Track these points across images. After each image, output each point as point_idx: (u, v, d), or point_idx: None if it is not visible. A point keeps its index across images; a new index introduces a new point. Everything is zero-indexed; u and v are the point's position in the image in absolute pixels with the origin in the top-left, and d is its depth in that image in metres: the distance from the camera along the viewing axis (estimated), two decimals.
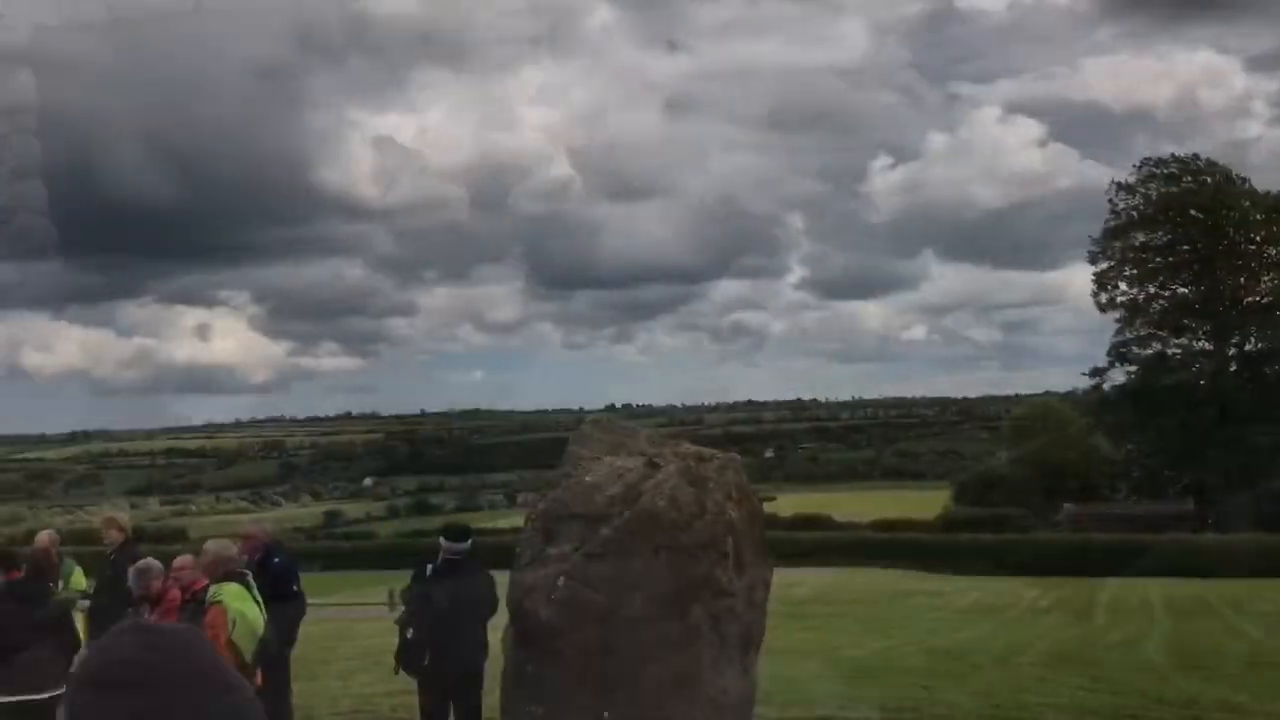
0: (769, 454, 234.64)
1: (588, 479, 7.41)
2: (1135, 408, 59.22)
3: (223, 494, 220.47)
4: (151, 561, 8.62)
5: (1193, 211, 58.29)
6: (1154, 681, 11.64)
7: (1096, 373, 61.62)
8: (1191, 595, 31.08)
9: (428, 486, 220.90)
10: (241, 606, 7.29)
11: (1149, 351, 60.29)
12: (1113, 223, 60.65)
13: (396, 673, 7.35)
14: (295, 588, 9.13)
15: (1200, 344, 59.64)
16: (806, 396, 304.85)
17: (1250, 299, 58.01)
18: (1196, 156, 59.86)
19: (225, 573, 7.49)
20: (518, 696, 7.41)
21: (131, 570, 8.61)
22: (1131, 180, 60.04)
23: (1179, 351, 59.68)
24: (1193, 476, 60.26)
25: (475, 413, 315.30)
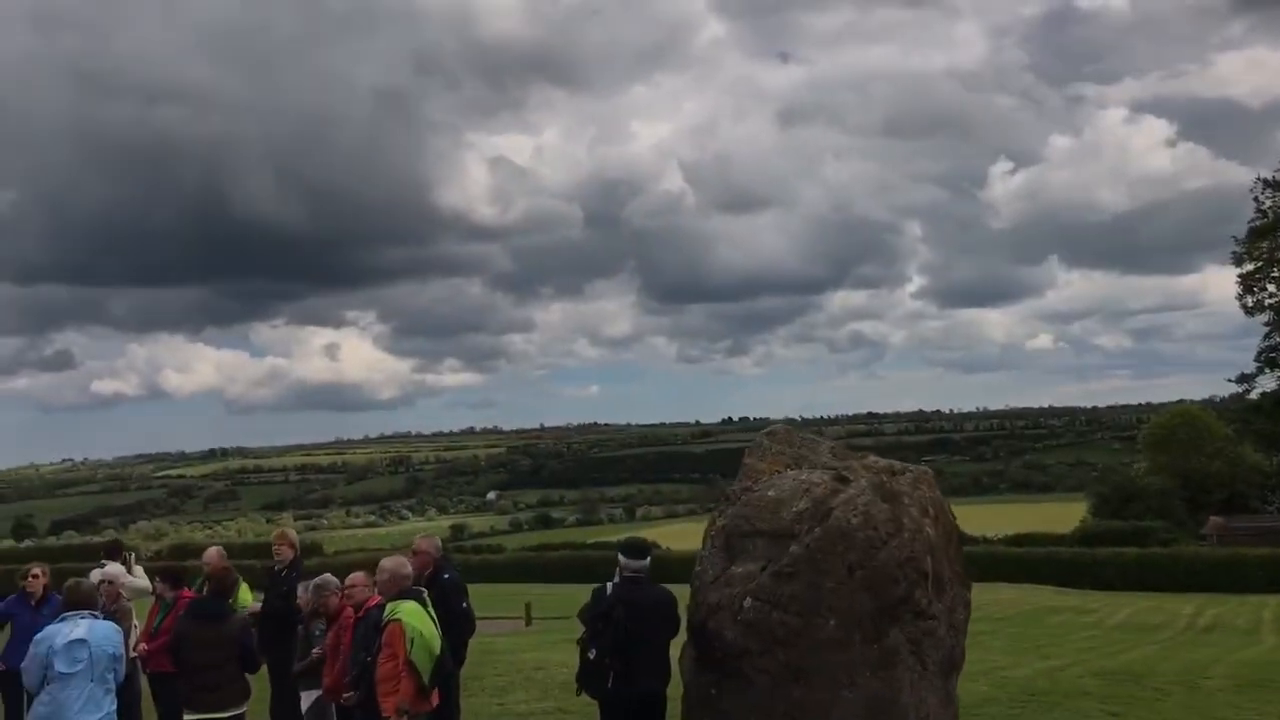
0: None
1: (770, 493, 7.10)
2: None
3: (352, 508, 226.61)
4: (329, 577, 8.57)
5: None
6: None
7: (1244, 379, 58.74)
8: None
9: (548, 500, 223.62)
10: (419, 625, 7.15)
11: None
12: (1258, 222, 57.83)
13: (578, 694, 7.12)
14: (465, 604, 9.00)
15: None
16: (929, 408, 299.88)
17: None
18: None
19: (401, 590, 7.37)
20: None
21: (310, 586, 8.59)
22: (1278, 176, 57.17)
23: None
24: None
25: (593, 426, 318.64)
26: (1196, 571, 45.71)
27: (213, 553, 10.54)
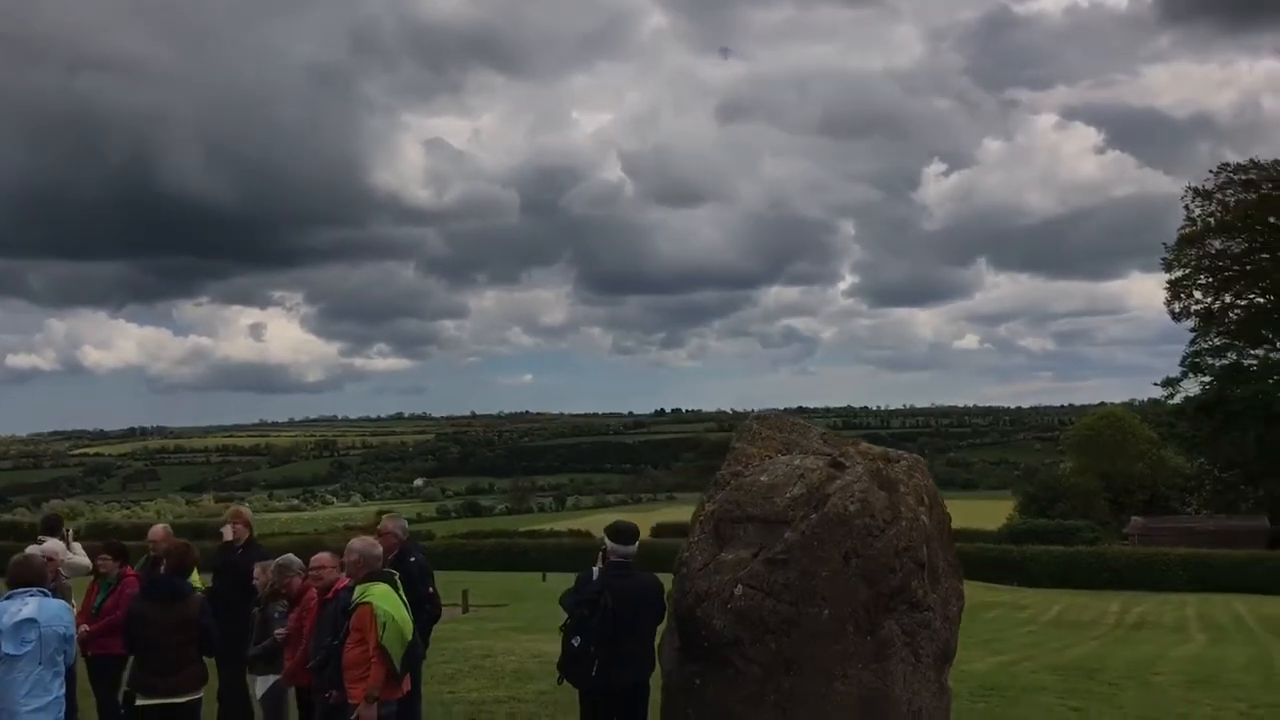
0: None
1: (763, 478, 6.87)
2: (1209, 420, 57.55)
3: (275, 492, 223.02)
4: (291, 558, 8.18)
5: (1272, 219, 56.63)
6: None
7: (1169, 383, 60.00)
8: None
9: (478, 488, 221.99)
10: (391, 609, 6.81)
11: (1224, 362, 58.60)
12: (1188, 229, 59.09)
13: (560, 683, 6.83)
14: (430, 589, 8.66)
15: (1278, 355, 57.86)
16: (857, 404, 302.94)
17: None
18: (1277, 162, 58.08)
19: (371, 572, 7.02)
20: (684, 714, 6.88)
21: (271, 566, 8.19)
22: (1208, 186, 58.46)
23: (1255, 362, 57.91)
24: (1269, 491, 58.51)
25: (524, 415, 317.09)
26: (1119, 570, 46.65)
27: (159, 530, 10.06)
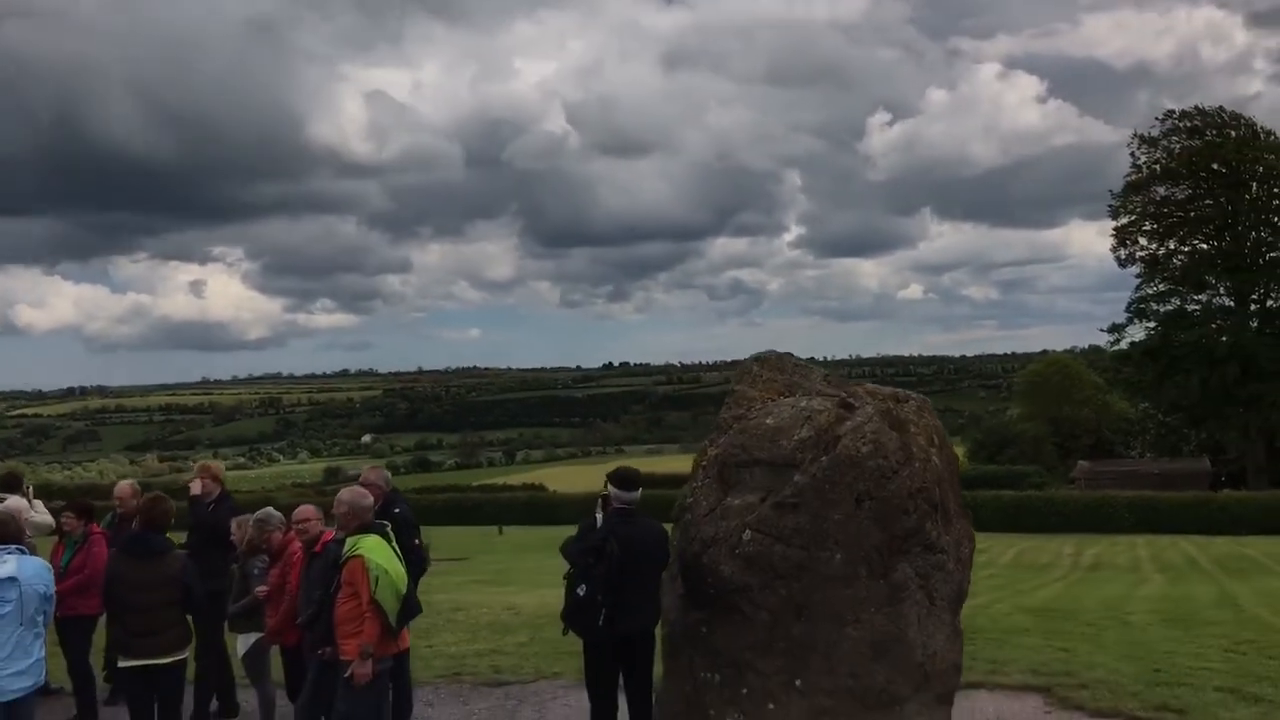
0: None
1: (769, 421, 6.66)
2: (1154, 364, 58.50)
3: (220, 450, 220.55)
4: (272, 511, 7.87)
5: (1215, 165, 57.33)
6: None
7: (1115, 329, 60.81)
8: (1231, 553, 30.61)
9: (426, 444, 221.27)
10: (383, 561, 6.55)
11: (1168, 308, 59.50)
12: (1133, 177, 59.70)
13: (564, 634, 6.62)
14: (416, 541, 8.41)
15: (1221, 300, 58.84)
16: (804, 354, 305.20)
17: (1273, 254, 57.16)
18: (1222, 110, 58.81)
19: (361, 524, 6.75)
20: (689, 663, 6.70)
21: (251, 520, 7.87)
22: (1154, 133, 58.99)
23: (1199, 308, 58.85)
24: (1210, 434, 59.76)
25: (472, 370, 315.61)
26: (1068, 514, 47.47)
27: (125, 487, 9.71)
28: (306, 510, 7.43)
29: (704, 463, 6.90)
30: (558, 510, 56.05)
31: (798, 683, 6.33)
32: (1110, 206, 60.32)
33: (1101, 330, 63.02)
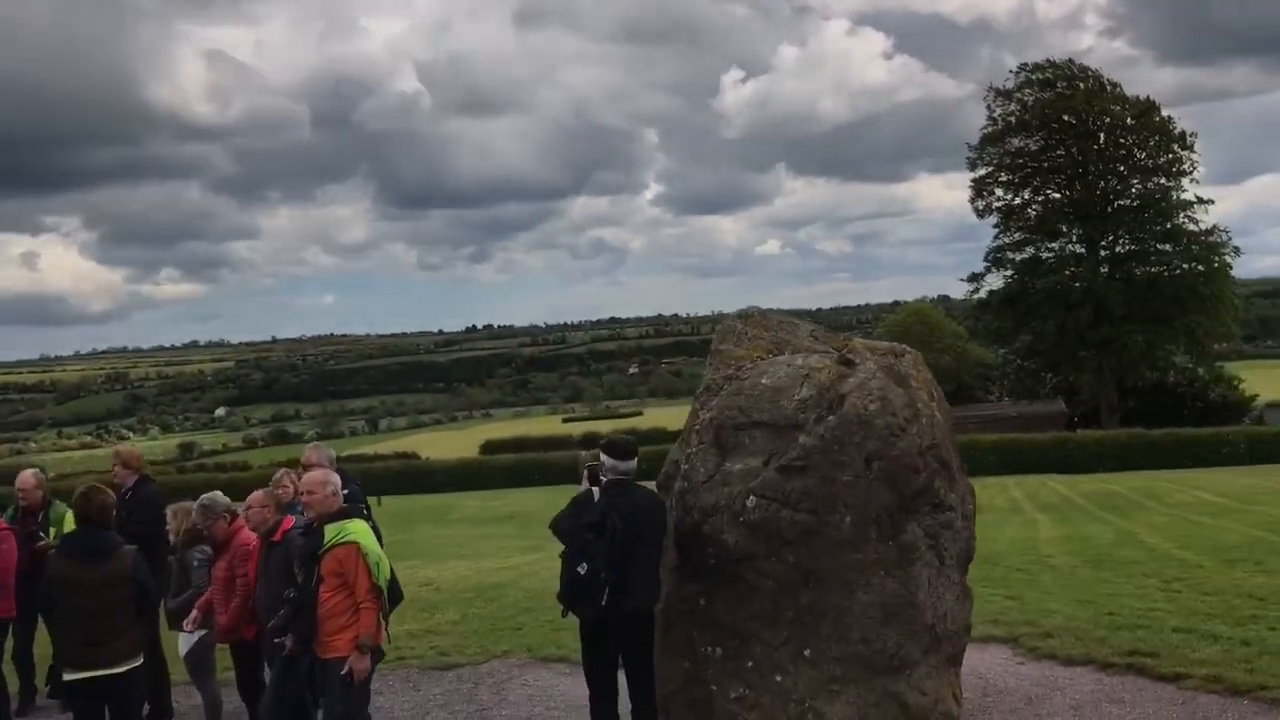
0: (633, 371, 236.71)
1: (765, 380, 6.35)
2: (1012, 311, 60.43)
3: (65, 429, 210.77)
4: (218, 496, 7.20)
5: (1066, 117, 59.20)
6: (1220, 577, 11.32)
7: (974, 278, 62.52)
8: (1100, 490, 31.83)
9: (283, 415, 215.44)
10: (374, 547, 6.05)
11: (1024, 256, 61.45)
12: (989, 129, 61.26)
13: (564, 615, 6.21)
14: (371, 522, 7.83)
15: (1073, 247, 61.05)
16: (668, 313, 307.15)
17: (1121, 202, 59.49)
18: (1071, 62, 60.70)
19: (341, 509, 6.19)
20: (686, 637, 6.39)
21: (194, 507, 7.18)
22: (1008, 86, 60.61)
23: (1053, 255, 60.95)
24: (1065, 377, 62.13)
25: (329, 338, 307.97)
26: None
27: (28, 476, 8.88)
28: (257, 496, 6.82)
29: (697, 426, 6.55)
30: (433, 477, 55.16)
31: (806, 652, 6.08)
32: (968, 159, 61.82)
33: (961, 280, 64.81)
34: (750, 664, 6.19)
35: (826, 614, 6.06)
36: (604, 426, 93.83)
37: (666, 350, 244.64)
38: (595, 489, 6.21)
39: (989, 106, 60.89)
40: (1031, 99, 59.74)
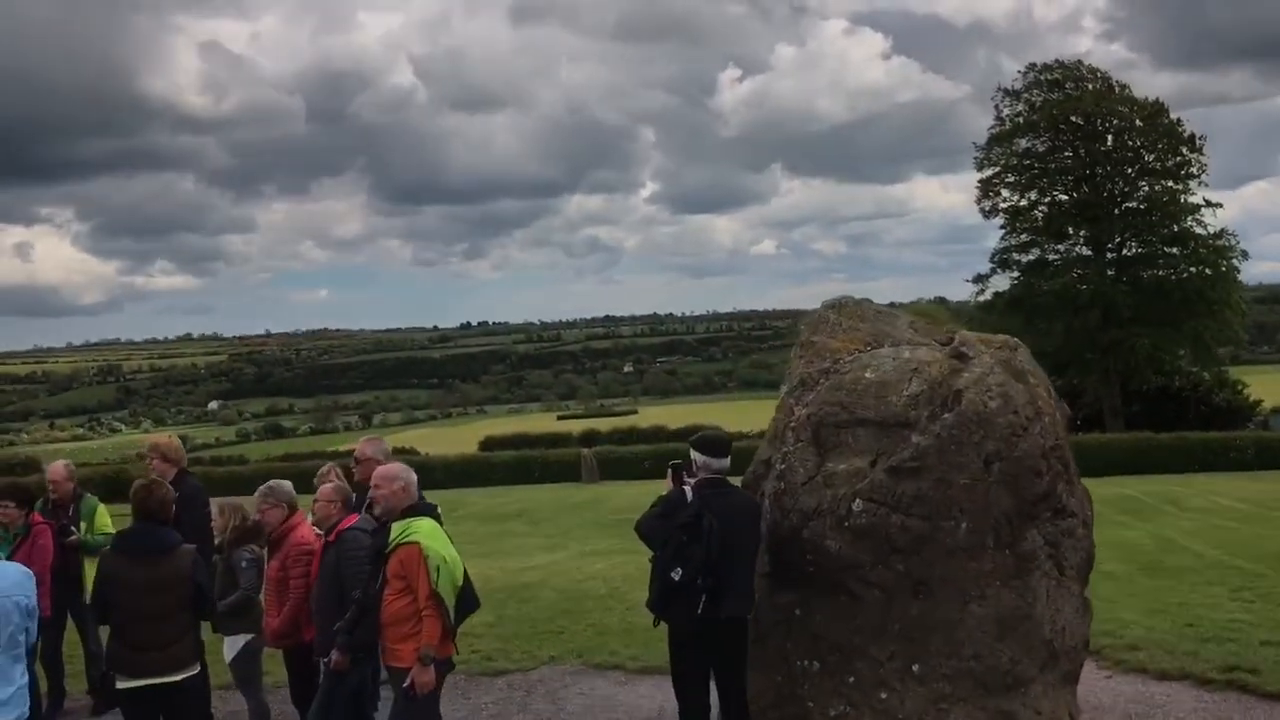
0: (627, 369, 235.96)
1: (869, 375, 5.91)
2: (1018, 314, 60.01)
3: (58, 421, 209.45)
4: (284, 484, 6.70)
5: (1074, 118, 58.83)
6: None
7: (979, 279, 62.08)
8: (1117, 494, 31.44)
9: (277, 409, 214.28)
10: (441, 548, 5.56)
11: (1030, 258, 61.06)
12: (997, 129, 60.86)
13: (655, 624, 5.76)
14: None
15: (1080, 249, 60.66)
16: (662, 311, 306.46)
17: (1128, 204, 59.13)
18: (1080, 63, 60.37)
19: (410, 505, 5.73)
20: (780, 649, 5.95)
21: (256, 496, 6.70)
22: (1016, 87, 60.23)
23: (1059, 257, 60.55)
24: (1070, 380, 61.75)
25: (323, 332, 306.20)
26: None
27: (59, 467, 8.41)
28: (326, 491, 6.36)
29: (792, 423, 6.10)
30: (432, 473, 54.47)
31: (915, 667, 5.65)
32: (975, 159, 61.42)
33: (966, 281, 64.35)
34: (852, 680, 5.75)
35: (937, 627, 5.63)
36: (601, 424, 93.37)
37: (661, 349, 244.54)
38: (686, 488, 5.76)
39: (997, 107, 60.46)
40: (1039, 100, 59.37)
